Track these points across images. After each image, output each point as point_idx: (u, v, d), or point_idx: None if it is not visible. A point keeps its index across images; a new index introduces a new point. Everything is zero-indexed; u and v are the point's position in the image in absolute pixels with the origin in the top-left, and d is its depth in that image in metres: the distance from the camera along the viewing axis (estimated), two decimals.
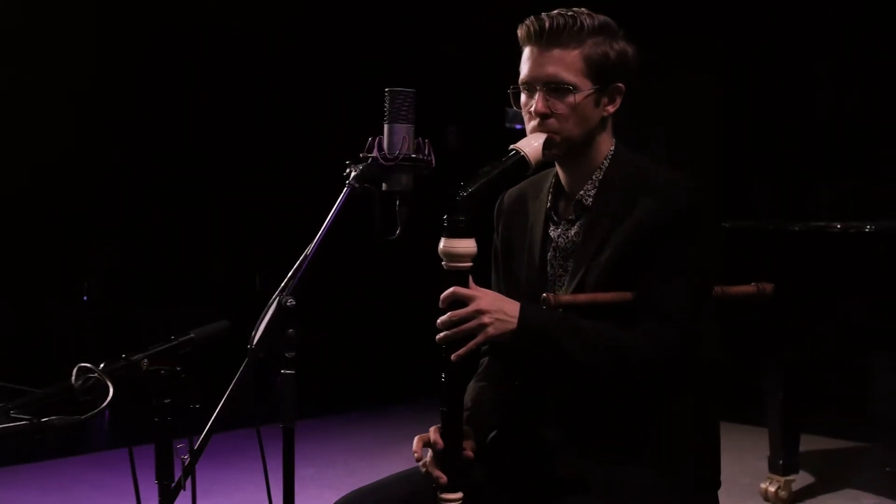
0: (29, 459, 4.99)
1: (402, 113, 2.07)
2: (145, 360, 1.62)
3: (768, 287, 2.23)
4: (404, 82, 2.10)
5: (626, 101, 2.20)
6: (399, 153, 2.04)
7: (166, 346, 1.68)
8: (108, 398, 1.46)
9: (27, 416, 1.39)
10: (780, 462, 4.30)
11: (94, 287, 6.47)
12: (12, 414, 1.41)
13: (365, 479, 2.34)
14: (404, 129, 2.06)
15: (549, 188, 2.25)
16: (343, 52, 7.42)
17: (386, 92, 2.09)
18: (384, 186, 2.08)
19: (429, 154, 2.07)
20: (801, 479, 4.50)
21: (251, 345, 1.93)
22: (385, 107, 2.08)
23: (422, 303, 2.76)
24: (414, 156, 2.05)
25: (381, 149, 2.05)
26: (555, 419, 2.14)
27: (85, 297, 6.48)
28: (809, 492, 4.47)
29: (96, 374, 1.52)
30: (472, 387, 2.27)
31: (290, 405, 1.98)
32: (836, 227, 4.11)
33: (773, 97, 6.73)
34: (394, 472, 2.28)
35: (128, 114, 6.41)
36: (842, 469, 4.83)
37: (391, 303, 7.13)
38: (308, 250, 2.01)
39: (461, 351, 1.96)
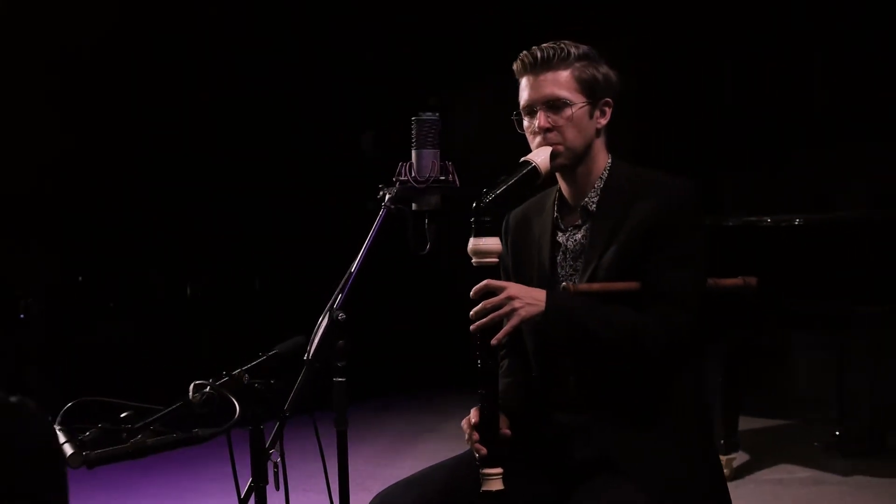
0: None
1: (430, 139, 2.29)
2: (246, 375, 1.80)
3: (753, 280, 2.48)
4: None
5: None
6: (429, 176, 2.25)
7: (258, 361, 1.86)
8: (238, 412, 1.64)
9: (169, 430, 1.57)
10: (722, 442, 4.60)
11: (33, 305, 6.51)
12: (153, 428, 1.58)
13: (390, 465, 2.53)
14: (431, 154, 2.28)
15: (554, 202, 2.49)
16: (264, 55, 7.56)
17: (412, 120, 2.31)
18: (414, 206, 2.29)
19: (453, 176, 2.29)
20: (740, 458, 4.82)
21: (308, 356, 2.12)
22: (412, 133, 2.29)
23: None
24: (442, 178, 2.26)
25: (410, 173, 2.26)
26: (573, 405, 2.38)
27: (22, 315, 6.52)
28: (748, 468, 4.79)
29: (212, 391, 1.69)
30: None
31: (342, 410, 2.18)
32: (766, 220, 4.45)
33: (681, 94, 7.03)
34: (416, 459, 2.48)
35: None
36: (775, 446, 5.16)
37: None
38: (352, 267, 2.21)
39: (500, 334, 2.19)
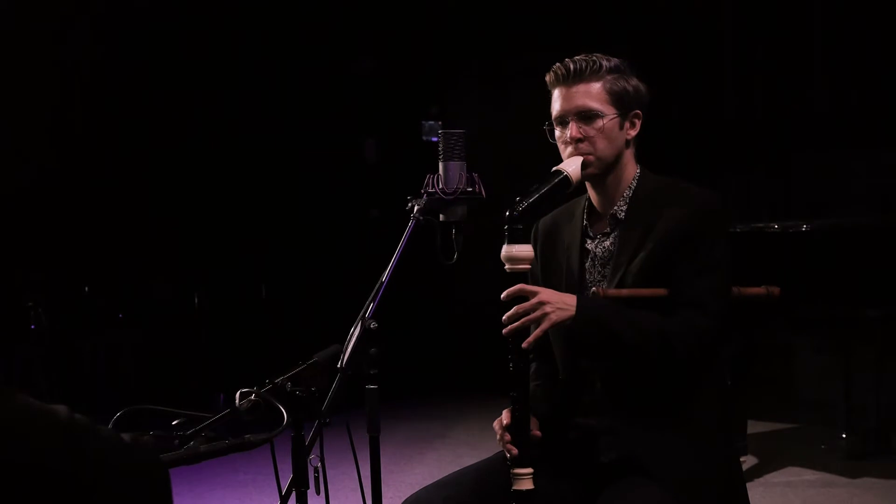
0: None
1: (456, 152, 2.34)
2: (289, 383, 1.86)
3: (776, 290, 2.54)
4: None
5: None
6: (457, 188, 2.31)
7: (298, 369, 1.91)
8: (286, 419, 1.69)
9: (220, 436, 1.62)
10: None
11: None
12: (204, 435, 1.64)
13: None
14: (458, 166, 2.34)
15: (584, 210, 2.56)
16: (268, 64, 7.61)
17: (439, 133, 2.37)
18: (441, 217, 2.35)
19: (479, 187, 2.34)
20: (748, 461, 4.88)
21: (341, 364, 2.17)
22: (439, 147, 2.35)
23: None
24: (469, 189, 2.32)
25: (438, 184, 2.32)
26: (599, 409, 2.44)
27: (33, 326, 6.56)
28: (756, 471, 4.84)
29: (259, 398, 1.75)
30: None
31: (374, 416, 2.24)
32: (773, 227, 4.52)
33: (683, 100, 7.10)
34: (427, 466, 2.54)
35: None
36: (782, 449, 5.21)
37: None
38: (383, 277, 2.26)
39: (531, 338, 2.26)
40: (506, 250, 2.26)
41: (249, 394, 1.78)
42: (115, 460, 1.30)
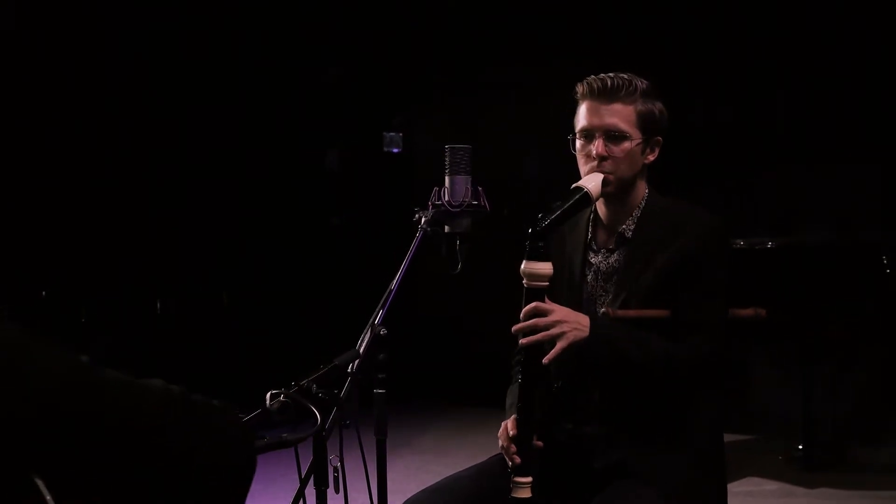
0: None
1: (462, 166, 2.43)
2: (314, 385, 1.94)
3: (763, 312, 2.67)
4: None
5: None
6: (464, 201, 2.40)
7: (320, 373, 1.99)
8: (319, 420, 1.77)
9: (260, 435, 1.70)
10: None
11: None
12: None
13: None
14: (464, 180, 2.43)
15: (588, 221, 2.63)
16: (230, 72, 7.64)
17: (446, 148, 2.45)
18: (447, 229, 2.44)
19: (484, 200, 2.44)
20: None
21: (352, 368, 2.25)
22: (445, 161, 2.44)
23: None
24: (474, 203, 2.41)
25: (444, 197, 2.41)
26: (595, 417, 2.54)
27: None
28: None
29: (287, 399, 1.83)
30: (512, 390, 2.63)
31: (382, 419, 2.31)
32: (740, 243, 4.67)
33: None
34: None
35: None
36: (740, 460, 5.34)
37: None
38: (392, 284, 2.35)
39: (551, 355, 2.34)
40: (526, 266, 2.34)
41: (278, 395, 1.86)
42: (212, 432, 1.38)
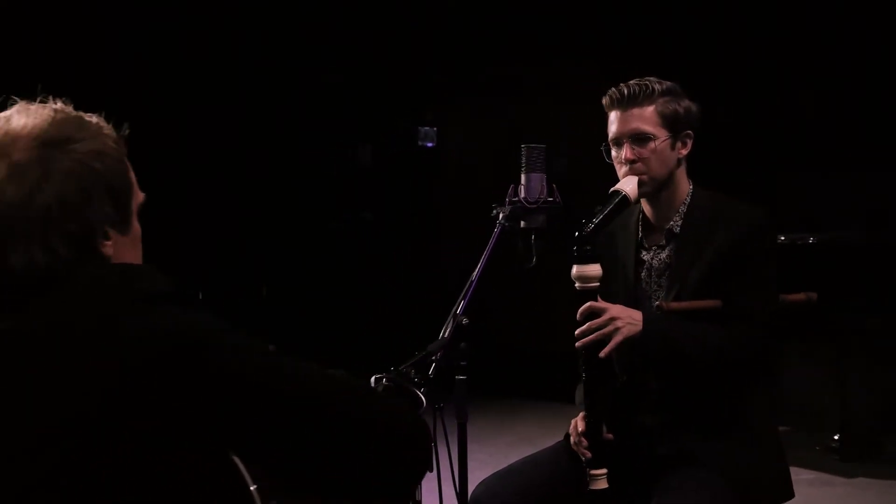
0: None
1: (538, 164, 2.56)
2: (412, 370, 2.06)
3: (814, 296, 2.78)
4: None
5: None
6: (539, 198, 2.52)
7: (416, 359, 2.12)
8: (423, 404, 1.90)
9: None
10: None
11: None
12: None
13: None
14: (539, 178, 2.55)
15: (638, 221, 2.76)
16: (263, 69, 7.75)
17: (522, 147, 2.57)
18: (522, 224, 2.56)
19: (557, 196, 2.56)
20: None
21: (436, 357, 2.37)
22: (521, 159, 2.56)
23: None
24: (549, 199, 2.53)
25: (520, 194, 2.53)
26: (654, 408, 2.66)
27: None
28: None
29: (389, 384, 1.96)
30: (581, 387, 2.75)
31: (463, 405, 2.44)
32: (781, 238, 4.78)
33: None
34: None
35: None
36: None
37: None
38: (473, 276, 2.47)
39: (606, 349, 2.46)
40: (577, 270, 2.46)
41: (381, 379, 1.98)
42: (396, 420, 1.50)
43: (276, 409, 1.36)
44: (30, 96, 1.49)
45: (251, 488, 1.35)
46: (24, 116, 1.42)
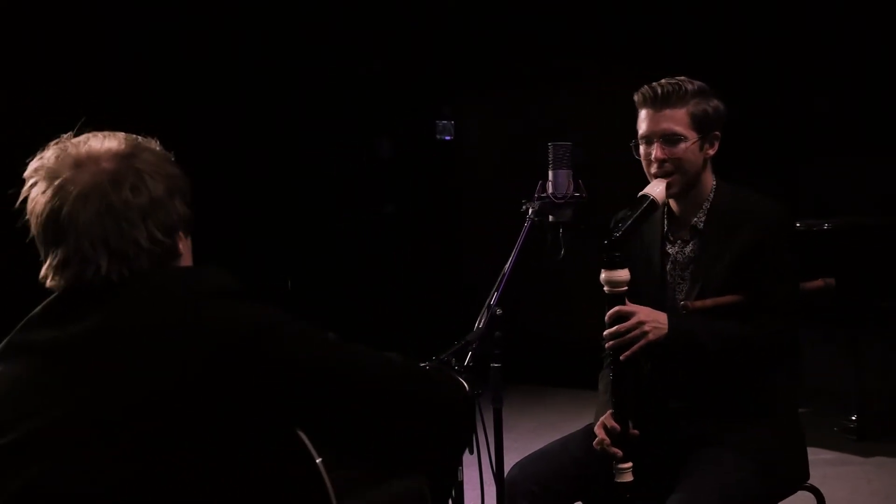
0: None
1: (564, 161, 2.68)
2: (453, 359, 2.20)
3: (832, 281, 2.90)
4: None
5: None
6: (566, 193, 2.65)
7: (456, 348, 2.26)
8: (467, 389, 2.03)
9: None
10: None
11: None
12: None
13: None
14: (566, 174, 2.68)
15: (663, 214, 2.87)
16: (281, 64, 7.86)
17: (549, 145, 2.70)
18: (550, 218, 2.68)
19: (584, 191, 2.68)
20: None
21: (473, 346, 2.51)
22: (549, 156, 2.69)
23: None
24: (576, 195, 2.66)
25: (548, 189, 2.66)
26: (679, 393, 2.78)
27: None
28: None
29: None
30: (605, 374, 2.88)
31: (498, 390, 2.57)
32: (797, 225, 4.89)
33: None
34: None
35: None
36: None
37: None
38: (506, 268, 2.60)
39: (629, 352, 2.59)
40: (606, 275, 2.57)
41: (425, 366, 2.12)
42: (446, 397, 1.68)
43: (338, 387, 1.53)
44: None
45: (317, 461, 1.49)
46: (99, 139, 1.59)
